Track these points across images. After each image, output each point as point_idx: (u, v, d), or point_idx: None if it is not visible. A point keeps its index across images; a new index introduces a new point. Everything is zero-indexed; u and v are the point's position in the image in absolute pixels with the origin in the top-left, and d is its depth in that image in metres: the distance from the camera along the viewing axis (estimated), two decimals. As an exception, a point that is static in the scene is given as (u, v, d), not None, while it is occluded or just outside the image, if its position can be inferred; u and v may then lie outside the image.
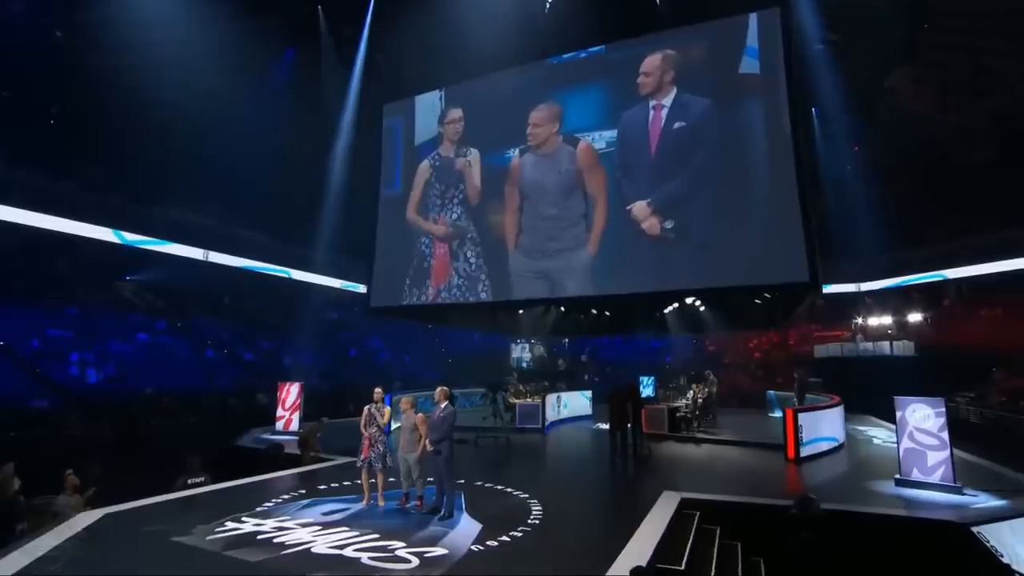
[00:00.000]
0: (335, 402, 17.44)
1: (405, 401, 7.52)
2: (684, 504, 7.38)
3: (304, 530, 6.45)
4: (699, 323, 19.14)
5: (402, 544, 5.95)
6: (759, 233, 11.00)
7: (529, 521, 6.70)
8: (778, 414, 17.94)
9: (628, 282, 12.57)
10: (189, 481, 8.34)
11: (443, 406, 7.22)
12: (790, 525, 5.04)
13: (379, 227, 15.90)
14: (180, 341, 20.14)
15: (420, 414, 7.40)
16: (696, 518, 7.17)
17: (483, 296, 13.96)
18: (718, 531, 7.13)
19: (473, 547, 5.91)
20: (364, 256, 16.22)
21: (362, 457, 7.61)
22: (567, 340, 32.21)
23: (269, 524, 6.65)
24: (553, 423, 16.08)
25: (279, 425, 14.65)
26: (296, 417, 14.47)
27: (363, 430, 7.64)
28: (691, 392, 15.55)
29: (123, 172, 19.82)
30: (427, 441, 7.15)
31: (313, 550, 5.81)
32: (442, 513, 6.90)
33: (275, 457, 10.97)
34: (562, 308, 19.27)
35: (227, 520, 6.73)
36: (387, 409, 7.76)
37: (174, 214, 22.40)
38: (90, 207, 19.39)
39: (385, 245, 15.80)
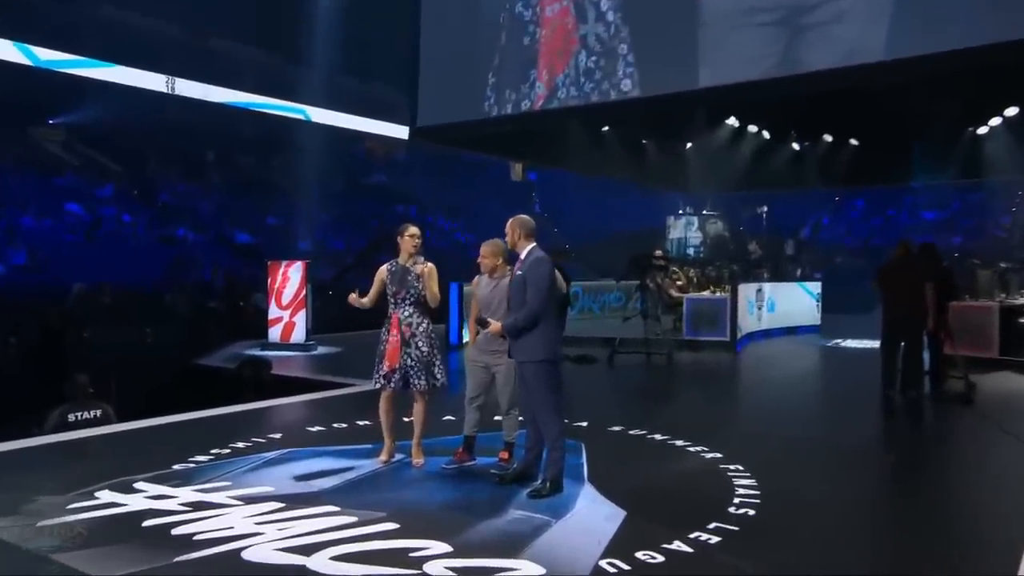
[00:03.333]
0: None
1: (490, 249, 5.88)
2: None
3: (245, 510, 5.04)
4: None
5: (445, 547, 4.38)
6: None
7: (732, 509, 5.22)
8: None
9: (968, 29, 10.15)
10: (72, 417, 7.57)
11: (526, 251, 5.51)
12: None
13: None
14: (136, 215, 20.30)
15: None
16: None
17: (626, 89, 11.94)
18: None
19: (605, 563, 4.18)
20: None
21: (384, 369, 6.00)
22: (765, 209, 29.49)
23: (182, 496, 5.36)
24: (751, 335, 15.54)
25: (274, 333, 14.08)
26: (301, 319, 13.63)
27: (361, 302, 5.97)
28: None
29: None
30: (494, 327, 5.51)
31: (246, 555, 4.30)
32: (538, 484, 5.52)
33: (252, 382, 10.26)
34: (765, 134, 17.87)
35: (103, 487, 5.48)
36: (428, 267, 6.01)
37: (109, 14, 21.82)
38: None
39: (436, 20, 13.89)
